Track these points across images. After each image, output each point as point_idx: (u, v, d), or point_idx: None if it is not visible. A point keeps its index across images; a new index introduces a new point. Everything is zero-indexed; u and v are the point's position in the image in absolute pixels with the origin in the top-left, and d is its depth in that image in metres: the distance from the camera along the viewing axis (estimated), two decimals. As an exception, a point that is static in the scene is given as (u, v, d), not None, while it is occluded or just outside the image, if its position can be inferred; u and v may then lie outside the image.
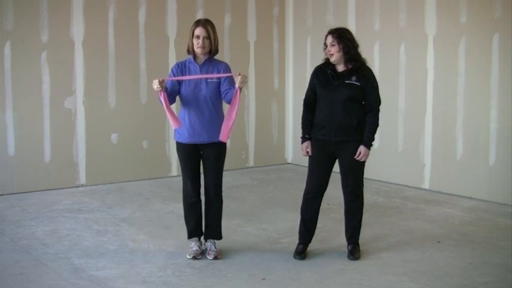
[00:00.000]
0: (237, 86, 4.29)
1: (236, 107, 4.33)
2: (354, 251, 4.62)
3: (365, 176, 7.90)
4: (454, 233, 5.29)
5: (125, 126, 7.50)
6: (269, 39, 8.64)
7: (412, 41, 7.09)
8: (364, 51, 7.70)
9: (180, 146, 4.58)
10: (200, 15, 7.86)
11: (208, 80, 4.45)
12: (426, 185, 7.01)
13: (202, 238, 4.72)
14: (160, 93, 4.32)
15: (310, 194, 4.63)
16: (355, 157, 4.45)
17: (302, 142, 4.64)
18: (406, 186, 7.16)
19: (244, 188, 7.24)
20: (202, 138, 4.48)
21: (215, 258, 4.55)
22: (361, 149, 4.45)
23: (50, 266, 4.41)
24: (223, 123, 4.41)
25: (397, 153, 7.31)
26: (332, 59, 4.48)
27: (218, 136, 4.47)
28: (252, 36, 8.47)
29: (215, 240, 4.67)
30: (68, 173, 7.13)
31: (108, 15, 7.30)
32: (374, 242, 4.99)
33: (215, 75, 4.45)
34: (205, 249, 4.64)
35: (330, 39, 4.48)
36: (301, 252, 4.64)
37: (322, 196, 4.66)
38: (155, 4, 7.61)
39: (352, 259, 4.57)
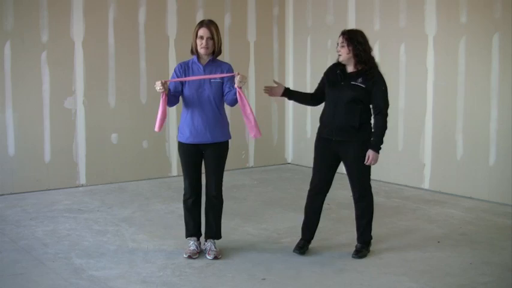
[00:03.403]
0: (236, 85, 4.31)
1: (246, 105, 4.38)
2: (359, 250, 4.63)
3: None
4: (454, 233, 5.29)
5: (125, 126, 7.50)
6: (269, 39, 8.64)
7: (412, 41, 7.09)
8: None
9: (182, 146, 4.59)
10: (200, 15, 7.86)
11: (212, 80, 4.47)
12: (426, 185, 7.00)
13: (201, 238, 4.72)
14: (162, 95, 4.34)
15: (313, 190, 4.69)
16: (364, 162, 4.46)
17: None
18: (406, 186, 7.16)
19: (244, 188, 7.24)
20: (205, 139, 4.50)
21: (215, 258, 4.55)
22: (370, 153, 4.45)
23: (50, 266, 4.41)
24: (247, 123, 4.43)
25: (397, 153, 7.31)
26: (340, 59, 4.53)
27: (220, 136, 4.52)
28: (252, 36, 8.46)
29: (215, 240, 4.68)
30: (68, 173, 7.13)
31: (108, 15, 7.29)
32: (374, 242, 4.98)
33: (217, 76, 4.46)
34: (205, 249, 4.65)
35: (340, 39, 4.52)
36: (301, 247, 4.67)
37: (325, 194, 4.68)
38: (155, 4, 7.61)
39: (354, 257, 4.58)
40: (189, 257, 4.57)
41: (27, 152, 6.86)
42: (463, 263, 4.50)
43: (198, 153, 4.58)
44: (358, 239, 4.69)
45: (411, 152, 7.15)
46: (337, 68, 4.58)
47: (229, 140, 4.66)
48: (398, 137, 7.29)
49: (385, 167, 7.43)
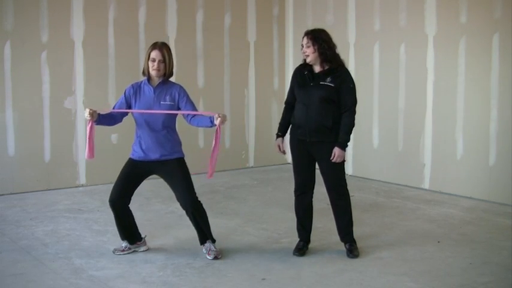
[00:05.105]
0: (217, 124, 4.32)
1: (218, 145, 4.41)
2: (352, 249, 4.64)
3: (365, 176, 7.91)
4: (454, 233, 5.29)
5: (125, 126, 7.47)
6: (269, 39, 8.65)
7: (412, 41, 7.09)
8: (364, 51, 7.77)
9: (129, 161, 4.65)
10: (200, 15, 7.87)
11: (162, 102, 4.51)
12: (426, 185, 7.00)
13: (199, 245, 4.72)
14: (89, 123, 4.43)
15: (298, 191, 4.71)
16: (330, 159, 4.47)
17: (276, 139, 4.76)
18: (406, 186, 7.16)
19: (244, 188, 7.24)
20: (154, 156, 4.53)
21: (215, 258, 4.56)
22: (336, 150, 4.45)
23: (50, 266, 4.42)
24: (209, 161, 4.43)
25: (397, 153, 7.31)
26: (308, 60, 4.52)
27: (170, 154, 4.55)
28: (252, 36, 8.47)
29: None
30: (68, 173, 7.13)
31: (108, 15, 7.30)
32: (374, 241, 5.00)
33: (165, 112, 4.46)
34: (205, 249, 4.65)
35: (305, 40, 4.51)
36: (301, 249, 4.68)
37: (311, 192, 4.70)
38: (155, 4, 7.61)
39: (351, 257, 4.58)
40: (115, 249, 4.73)
41: (27, 152, 6.86)
42: (463, 263, 4.50)
43: (142, 171, 4.61)
44: (345, 238, 4.70)
45: (411, 152, 7.15)
46: (304, 69, 4.58)
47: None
48: (398, 137, 7.29)
49: (385, 167, 7.44)
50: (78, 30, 7.10)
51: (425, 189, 6.97)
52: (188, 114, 4.52)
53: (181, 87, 4.61)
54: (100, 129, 7.22)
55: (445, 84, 6.78)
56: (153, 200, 6.51)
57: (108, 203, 4.69)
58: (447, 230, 5.37)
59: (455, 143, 6.70)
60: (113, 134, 7.37)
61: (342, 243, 4.72)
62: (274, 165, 8.62)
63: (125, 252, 4.69)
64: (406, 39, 7.16)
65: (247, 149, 8.51)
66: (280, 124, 4.77)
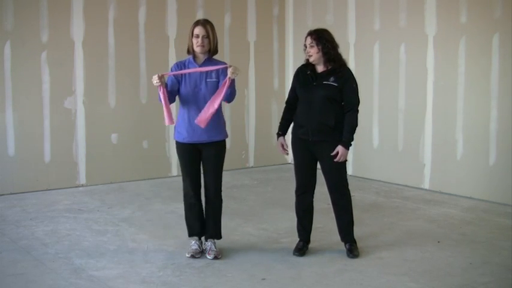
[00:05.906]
0: (228, 75, 4.34)
1: (222, 95, 4.38)
2: (353, 249, 4.64)
3: (365, 176, 7.91)
4: (454, 233, 5.29)
5: (125, 126, 7.50)
6: (269, 39, 8.65)
7: (412, 41, 7.09)
8: (364, 51, 7.77)
9: (180, 146, 4.61)
10: (200, 15, 7.86)
11: (208, 80, 4.49)
12: (426, 185, 7.00)
13: (202, 238, 4.72)
14: (160, 88, 4.38)
15: (299, 190, 4.72)
16: (333, 156, 4.47)
17: (277, 139, 4.75)
18: (406, 186, 7.16)
19: (244, 188, 7.24)
20: (201, 138, 4.51)
21: (215, 258, 4.56)
22: (339, 149, 4.46)
23: (50, 266, 4.42)
24: (204, 108, 4.41)
25: (397, 153, 7.31)
26: (311, 60, 4.52)
27: (217, 135, 4.53)
28: (252, 36, 8.47)
29: (215, 240, 4.68)
30: (68, 173, 7.13)
31: (108, 15, 7.30)
32: (374, 241, 5.00)
33: (212, 68, 4.47)
34: (205, 249, 4.65)
35: (308, 40, 4.51)
36: (301, 249, 4.68)
37: (312, 192, 4.71)
38: (155, 4, 7.61)
39: (352, 257, 4.58)
40: (192, 256, 4.58)
41: (27, 152, 6.86)
42: (463, 263, 4.50)
43: (196, 152, 4.59)
44: (345, 238, 4.70)
45: (411, 152, 7.15)
46: (307, 68, 4.59)
47: (227, 140, 4.66)
48: (398, 137, 7.29)
49: (385, 167, 7.44)
50: (78, 30, 7.10)
51: (425, 189, 6.97)
52: None
53: (226, 64, 4.57)
54: (100, 128, 7.30)
55: (445, 84, 6.78)
56: (153, 200, 6.51)
57: (183, 203, 4.67)
58: (447, 230, 5.37)
59: (455, 143, 6.70)
60: (113, 134, 7.37)
61: (342, 243, 4.73)
62: (274, 165, 8.63)
63: (198, 256, 4.59)
64: (406, 39, 7.16)
65: (247, 149, 8.51)
66: (281, 123, 4.77)
